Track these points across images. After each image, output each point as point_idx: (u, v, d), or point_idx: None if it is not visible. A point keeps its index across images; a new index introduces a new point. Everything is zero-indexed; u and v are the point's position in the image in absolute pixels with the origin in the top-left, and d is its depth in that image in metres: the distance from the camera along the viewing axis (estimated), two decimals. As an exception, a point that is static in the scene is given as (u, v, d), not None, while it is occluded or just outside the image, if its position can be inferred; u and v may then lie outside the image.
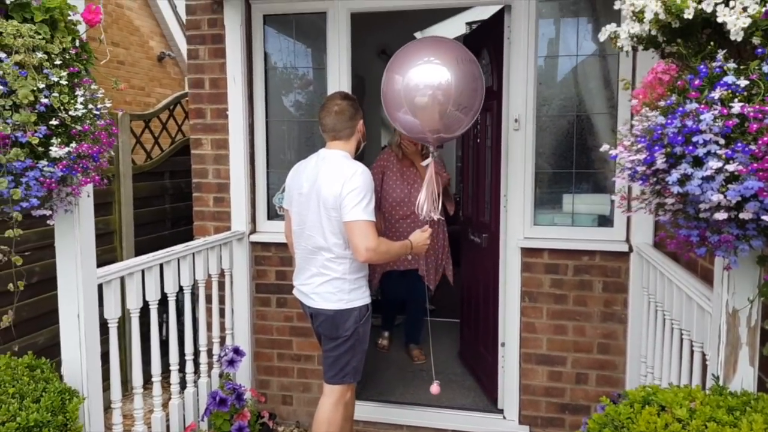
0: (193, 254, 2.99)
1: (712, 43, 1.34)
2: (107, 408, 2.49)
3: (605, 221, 3.23)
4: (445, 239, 4.19)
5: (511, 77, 3.21)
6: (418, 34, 6.77)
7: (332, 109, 2.63)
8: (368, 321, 2.71)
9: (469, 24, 6.08)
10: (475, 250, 3.85)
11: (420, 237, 2.75)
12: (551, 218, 3.32)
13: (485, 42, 3.66)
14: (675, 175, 1.26)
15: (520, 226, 3.26)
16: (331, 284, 2.60)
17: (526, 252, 3.26)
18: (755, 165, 1.14)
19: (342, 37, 3.37)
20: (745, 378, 1.73)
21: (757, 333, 1.72)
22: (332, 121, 2.63)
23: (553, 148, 3.31)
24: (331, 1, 3.35)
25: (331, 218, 2.53)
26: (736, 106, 1.18)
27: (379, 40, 6.66)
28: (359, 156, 2.80)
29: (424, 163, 2.84)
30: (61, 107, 1.72)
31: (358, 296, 2.64)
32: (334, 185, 2.49)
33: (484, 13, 4.82)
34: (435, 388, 2.95)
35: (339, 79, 3.40)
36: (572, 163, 3.26)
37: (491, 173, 3.54)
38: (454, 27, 6.48)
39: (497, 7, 3.40)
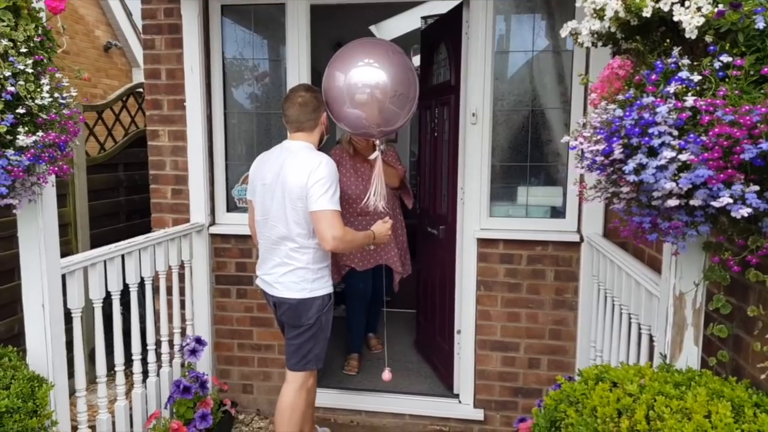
0: (154, 246, 2.96)
1: (668, 40, 1.44)
2: (71, 396, 2.46)
3: (558, 213, 3.37)
4: (404, 233, 4.13)
5: (470, 72, 3.30)
6: (373, 28, 6.82)
7: (296, 100, 2.65)
8: (330, 310, 2.76)
9: (424, 18, 6.16)
10: (431, 242, 3.94)
11: (382, 228, 2.83)
12: (506, 210, 3.43)
13: (443, 37, 3.74)
14: (631, 164, 1.36)
15: (476, 218, 3.36)
16: (294, 274, 2.64)
17: (482, 243, 3.36)
18: (706, 155, 1.24)
19: (301, 30, 3.38)
20: (690, 357, 1.86)
21: (702, 315, 1.85)
22: (296, 113, 2.66)
23: (509, 142, 3.42)
24: (291, -7, 3.36)
25: (296, 208, 2.56)
26: (690, 100, 1.29)
27: (335, 34, 6.67)
28: (321, 148, 2.83)
29: (371, 157, 2.88)
30: (28, 95, 1.70)
31: (321, 285, 2.69)
32: (299, 176, 2.53)
33: (438, 7, 4.89)
34: (387, 375, 3.03)
35: (298, 71, 3.41)
36: (527, 156, 3.38)
37: (448, 166, 3.63)
38: (409, 21, 6.55)
39: (454, 2, 3.48)
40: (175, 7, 3.42)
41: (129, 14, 8.42)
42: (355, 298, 4.12)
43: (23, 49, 1.70)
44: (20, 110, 1.66)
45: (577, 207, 3.25)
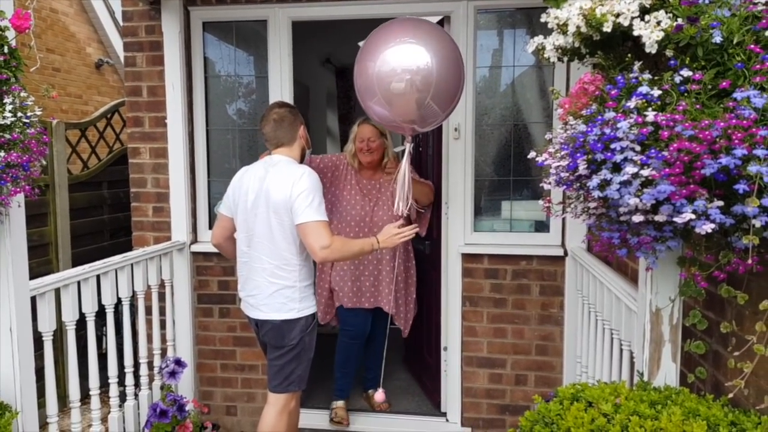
0: (132, 265, 2.92)
1: (630, 54, 1.43)
2: (43, 424, 2.41)
3: (542, 227, 3.35)
4: (413, 282, 3.58)
5: (451, 87, 3.27)
6: (362, 44, 6.84)
7: (271, 117, 2.64)
8: (314, 330, 2.71)
9: (411, 34, 6.19)
10: (418, 258, 3.89)
11: (390, 230, 2.62)
12: (491, 224, 3.41)
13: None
14: (595, 180, 1.33)
15: (461, 233, 3.33)
16: (281, 294, 2.58)
17: (467, 258, 3.33)
18: (667, 170, 1.22)
19: (283, 45, 3.37)
20: (668, 373, 1.83)
21: (679, 330, 1.82)
22: (273, 130, 2.64)
23: (492, 157, 3.41)
24: (272, 9, 3.36)
25: (282, 223, 2.52)
26: (650, 115, 1.26)
27: (324, 49, 6.68)
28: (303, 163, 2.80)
29: (397, 149, 2.78)
30: (-12, 115, 1.67)
31: (307, 305, 2.63)
32: (283, 189, 2.49)
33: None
34: (380, 395, 2.95)
35: (281, 86, 3.40)
36: (510, 171, 3.36)
37: (432, 182, 3.61)
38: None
39: (436, 18, 3.47)
40: (156, 24, 3.42)
41: (120, 31, 8.43)
42: (347, 334, 3.53)
43: (-16, 69, 1.68)
44: (-20, 130, 1.64)
45: (561, 221, 3.23)
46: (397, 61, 2.08)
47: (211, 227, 3.57)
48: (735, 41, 1.23)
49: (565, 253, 3.19)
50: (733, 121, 1.15)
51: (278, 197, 2.50)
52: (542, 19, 1.58)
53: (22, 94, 1.83)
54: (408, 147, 2.54)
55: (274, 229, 2.54)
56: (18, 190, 1.81)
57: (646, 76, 1.31)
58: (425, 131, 2.53)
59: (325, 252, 2.44)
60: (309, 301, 2.65)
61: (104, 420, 2.75)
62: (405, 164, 2.52)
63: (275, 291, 2.58)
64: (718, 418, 1.48)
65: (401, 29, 2.15)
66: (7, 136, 1.72)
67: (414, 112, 2.21)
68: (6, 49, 1.82)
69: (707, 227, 1.21)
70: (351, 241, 2.66)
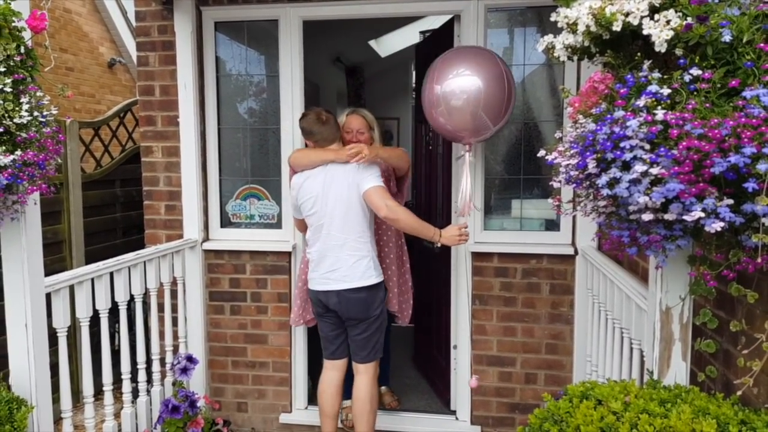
0: (144, 262, 2.96)
1: (639, 53, 1.43)
2: (57, 419, 2.45)
3: (552, 225, 3.34)
4: (408, 271, 3.45)
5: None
6: (372, 43, 6.85)
7: (321, 119, 2.94)
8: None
9: (422, 33, 6.19)
10: (427, 257, 3.91)
11: (452, 231, 2.87)
12: (501, 223, 3.41)
13: (436, 51, 3.73)
14: (604, 178, 1.34)
15: (470, 231, 3.32)
16: (360, 263, 2.86)
17: (477, 256, 3.34)
18: (677, 168, 1.22)
19: (294, 44, 3.39)
20: (678, 372, 1.83)
21: (689, 329, 1.82)
22: (327, 129, 2.95)
23: (503, 155, 3.41)
24: (283, 9, 3.38)
25: (353, 201, 2.83)
26: (660, 114, 1.27)
27: (334, 48, 6.71)
28: None
29: (457, 157, 3.02)
30: (6, 115, 1.70)
31: (380, 273, 2.96)
32: (351, 173, 2.85)
33: (437, 22, 4.91)
34: (474, 382, 3.01)
35: (292, 85, 3.42)
36: (520, 169, 3.36)
37: (442, 180, 3.62)
38: (409, 35, 6.58)
39: (448, 17, 3.48)
40: (168, 24, 3.45)
41: (133, 31, 8.48)
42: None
43: (1, 69, 1.71)
44: (-2, 129, 1.67)
45: (572, 220, 3.22)
46: (456, 85, 2.69)
47: (223, 225, 3.62)
48: (745, 40, 1.23)
49: (576, 252, 3.19)
50: (743, 119, 1.15)
51: (349, 179, 2.84)
52: (552, 18, 1.58)
53: (39, 93, 1.86)
54: (467, 155, 2.86)
55: (349, 207, 2.84)
56: (34, 188, 1.84)
57: (656, 74, 1.31)
58: (478, 141, 2.89)
59: (388, 210, 2.74)
60: (380, 270, 2.97)
61: (117, 415, 2.78)
62: (466, 170, 2.86)
63: (356, 261, 2.85)
64: (728, 416, 1.48)
65: (459, 62, 2.74)
66: (24, 135, 1.75)
67: (469, 122, 2.70)
68: (23, 49, 1.85)
69: (717, 225, 1.21)
70: (413, 214, 2.86)
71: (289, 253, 3.50)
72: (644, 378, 1.94)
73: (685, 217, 1.24)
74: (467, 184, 2.87)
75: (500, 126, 2.80)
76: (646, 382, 1.86)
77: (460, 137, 2.85)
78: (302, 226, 3.13)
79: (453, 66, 2.74)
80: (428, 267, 3.93)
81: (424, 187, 4.03)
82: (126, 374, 2.83)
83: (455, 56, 2.83)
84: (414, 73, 6.23)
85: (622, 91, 1.34)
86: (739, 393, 1.55)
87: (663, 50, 1.30)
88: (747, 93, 1.17)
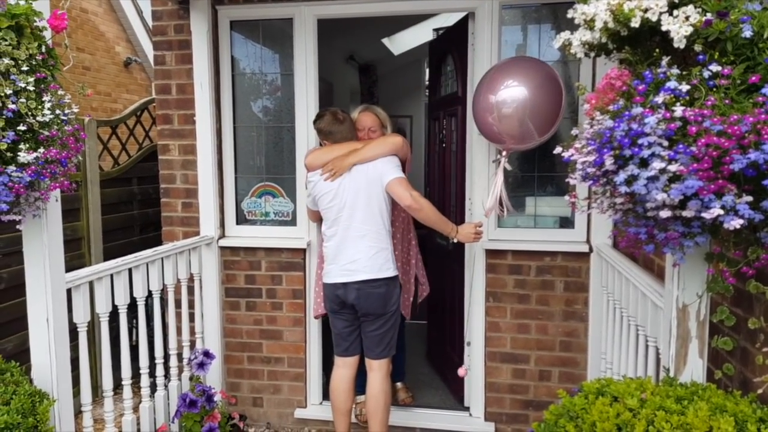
0: (162, 259, 2.99)
1: (657, 50, 1.43)
2: (78, 412, 2.49)
3: (567, 223, 3.33)
4: (417, 253, 3.56)
5: (476, 83, 3.27)
6: (386, 41, 6.86)
7: (338, 118, 3.01)
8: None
9: (436, 30, 6.19)
10: (441, 254, 3.92)
11: (468, 228, 2.96)
12: (515, 220, 3.40)
13: (450, 48, 3.75)
14: (622, 175, 1.34)
15: (484, 229, 3.32)
16: (380, 255, 2.90)
17: (491, 254, 3.34)
18: (695, 165, 1.22)
19: (309, 43, 3.41)
20: (695, 370, 1.82)
21: (706, 326, 1.81)
22: (344, 129, 3.02)
23: (517, 153, 3.39)
24: (297, 7, 3.39)
25: (375, 194, 2.88)
26: (678, 110, 1.27)
27: (348, 46, 6.72)
28: None
29: (493, 160, 3.08)
30: (29, 113, 1.73)
31: (396, 267, 3.00)
32: (374, 167, 2.90)
33: (450, 19, 4.91)
34: (462, 371, 3.12)
35: (306, 84, 3.44)
36: (535, 166, 3.35)
37: (456, 177, 3.62)
38: (422, 33, 6.57)
39: (462, 14, 3.48)
40: (185, 24, 3.48)
41: (148, 30, 8.56)
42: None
43: (25, 68, 1.74)
44: (21, 127, 1.70)
45: (587, 217, 3.21)
46: (508, 94, 2.73)
47: (238, 222, 3.65)
48: (766, 36, 1.22)
49: (590, 250, 3.18)
50: (763, 116, 1.15)
51: (372, 174, 2.89)
52: (569, 15, 1.58)
53: (60, 92, 1.89)
54: (503, 160, 2.90)
55: (370, 198, 2.89)
56: (56, 185, 1.87)
57: (675, 71, 1.31)
58: (521, 149, 2.92)
59: (412, 200, 2.80)
60: (396, 264, 3.01)
61: (135, 409, 2.83)
62: (500, 174, 2.89)
63: (376, 253, 2.89)
64: (746, 414, 1.47)
65: (509, 73, 2.79)
66: (46, 132, 1.78)
67: (516, 128, 2.75)
68: (44, 49, 1.88)
69: (736, 223, 1.21)
70: (433, 207, 2.91)
71: (303, 250, 3.53)
72: (660, 375, 1.94)
73: (703, 214, 1.24)
74: (498, 188, 2.90)
75: (546, 138, 2.84)
76: (662, 379, 1.85)
77: (502, 141, 2.88)
78: (316, 216, 3.18)
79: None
80: (442, 264, 3.94)
81: (438, 184, 4.03)
82: (144, 369, 2.87)
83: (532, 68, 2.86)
84: (427, 70, 6.22)
85: (640, 87, 1.34)
86: (760, 391, 1.54)
87: (682, 46, 1.30)
88: (767, 89, 1.16)
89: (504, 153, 2.91)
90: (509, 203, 2.95)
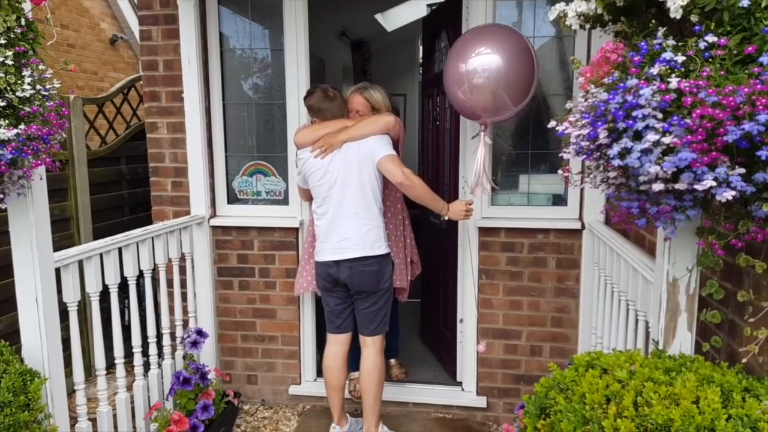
0: (152, 238, 2.97)
1: (653, 21, 1.40)
2: (71, 392, 2.48)
3: (560, 200, 3.33)
4: (410, 233, 3.49)
5: (468, 59, 3.24)
6: (378, 16, 6.78)
7: (329, 95, 2.97)
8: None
9: (430, 6, 6.11)
10: (435, 232, 3.91)
11: (459, 206, 2.96)
12: (508, 198, 3.40)
13: (444, 24, 3.70)
14: (616, 148, 1.32)
15: (477, 207, 3.31)
16: (371, 233, 2.89)
17: (484, 231, 3.34)
18: (689, 137, 1.21)
19: (299, 17, 3.34)
20: (684, 342, 1.84)
21: (695, 300, 1.82)
22: (334, 106, 2.98)
23: (511, 131, 3.39)
24: (288, -19, 3.33)
25: (365, 171, 2.86)
26: (674, 81, 1.25)
27: (340, 22, 6.64)
28: None
29: (473, 136, 3.04)
30: (8, 88, 1.69)
31: (388, 244, 3.00)
32: (366, 144, 2.88)
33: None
34: (482, 347, 3.10)
35: (297, 59, 3.38)
36: (528, 144, 3.34)
37: (450, 155, 3.60)
38: (415, 9, 6.50)
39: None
40: (171, -3, 3.41)
41: (134, 6, 8.40)
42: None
43: (2, 41, 1.69)
44: (0, 103, 1.66)
45: (579, 194, 3.21)
46: (479, 63, 2.64)
47: (230, 202, 3.62)
48: (763, 5, 1.20)
49: (583, 227, 3.18)
50: (758, 86, 1.13)
51: (364, 151, 2.86)
52: (564, -15, 1.55)
53: (41, 66, 1.85)
54: (483, 135, 2.84)
55: (362, 176, 2.87)
56: (39, 162, 1.84)
57: (670, 42, 1.29)
58: (498, 121, 2.85)
59: (405, 176, 2.78)
60: (388, 241, 3.01)
61: (129, 388, 2.82)
62: (480, 149, 2.84)
63: (367, 231, 2.88)
64: (732, 384, 1.48)
65: (482, 41, 2.69)
66: (27, 108, 1.74)
67: (489, 101, 2.67)
68: (23, 22, 1.83)
69: (728, 194, 1.20)
70: (425, 184, 2.89)
71: (296, 229, 3.51)
72: (649, 348, 1.95)
73: (696, 187, 1.23)
74: (480, 163, 2.85)
75: (521, 107, 2.77)
76: (651, 352, 1.86)
77: (477, 116, 2.82)
78: (307, 195, 3.16)
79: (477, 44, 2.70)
80: (435, 242, 3.94)
81: (431, 163, 4.01)
82: (137, 348, 2.86)
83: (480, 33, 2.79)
84: (421, 47, 6.16)
85: (635, 59, 1.32)
86: (744, 360, 1.55)
87: (678, 17, 1.28)
88: (763, 59, 1.15)
89: (483, 127, 2.87)
90: (489, 180, 2.91)
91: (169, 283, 3.20)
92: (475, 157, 2.87)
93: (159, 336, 3.06)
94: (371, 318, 2.99)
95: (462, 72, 2.66)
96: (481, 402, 3.43)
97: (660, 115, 1.28)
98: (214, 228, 3.57)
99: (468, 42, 2.73)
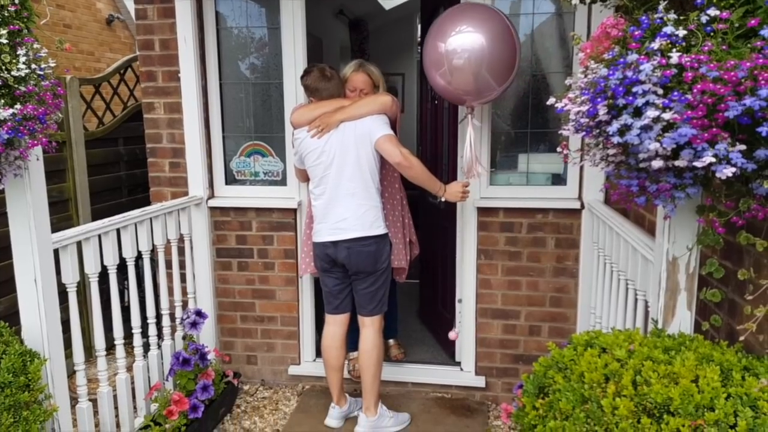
0: (151, 219, 2.96)
1: (656, -6, 1.38)
2: (71, 373, 2.49)
3: (559, 180, 3.32)
4: (407, 213, 3.44)
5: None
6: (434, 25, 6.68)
7: (326, 75, 2.93)
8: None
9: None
10: (433, 213, 3.90)
11: (456, 187, 2.95)
12: (507, 178, 3.39)
13: (442, 2, 3.65)
14: (615, 125, 1.31)
15: (476, 187, 3.31)
16: (369, 213, 2.89)
17: (483, 211, 3.33)
18: (690, 113, 1.19)
19: (296, -4, 3.31)
20: (683, 321, 1.84)
21: (695, 279, 1.82)
22: (331, 86, 2.95)
23: (510, 109, 3.36)
24: (284, -41, 3.28)
25: (363, 151, 2.84)
26: (674, 56, 1.23)
27: (337, 0, 6.56)
28: None
29: (459, 121, 3.04)
30: (3, 67, 1.67)
31: (386, 225, 2.99)
32: (363, 124, 2.85)
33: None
34: (453, 334, 3.14)
35: (294, 38, 3.35)
36: (528, 123, 3.32)
37: (448, 135, 3.58)
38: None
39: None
40: (166, -25, 3.36)
41: (130, -14, 8.32)
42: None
43: (-3, 20, 1.67)
44: (-4, 82, 1.64)
45: (579, 174, 3.20)
46: (459, 43, 2.57)
47: (228, 182, 3.61)
48: (767, -22, 1.18)
49: (582, 206, 3.17)
50: (760, 60, 1.11)
51: (361, 131, 2.84)
52: (563, -41, 1.53)
53: (36, 45, 1.82)
54: (470, 118, 2.85)
55: (359, 156, 2.85)
56: (35, 142, 1.82)
57: (672, 16, 1.27)
58: (483, 102, 2.84)
59: (402, 156, 2.77)
60: (386, 222, 3.00)
61: (129, 368, 2.84)
62: (469, 132, 2.85)
63: (365, 211, 2.87)
64: (731, 363, 1.49)
65: (463, 19, 2.63)
66: (22, 88, 1.72)
67: (471, 83, 2.61)
68: (17, 0, 1.81)
69: (728, 171, 1.19)
70: (422, 165, 2.88)
71: (294, 210, 3.50)
72: (648, 328, 1.95)
73: (696, 164, 1.22)
74: (470, 147, 2.88)
75: (506, 86, 2.74)
76: (650, 331, 1.87)
77: (462, 100, 2.80)
78: (304, 176, 3.14)
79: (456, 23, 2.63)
80: (434, 223, 3.93)
81: (430, 143, 3.99)
82: (137, 329, 2.87)
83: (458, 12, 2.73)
84: (419, 26, 6.10)
85: (636, 33, 1.30)
86: (742, 338, 1.55)
87: (679, -10, 1.26)
88: (766, 32, 1.13)
89: (469, 110, 2.87)
90: (481, 164, 2.93)
91: (168, 264, 3.20)
92: (466, 141, 2.88)
93: (158, 317, 3.07)
94: (369, 298, 2.99)
95: (441, 52, 2.60)
96: (480, 382, 3.45)
97: (660, 91, 1.26)
98: (212, 209, 3.56)
99: (448, 20, 2.67)
